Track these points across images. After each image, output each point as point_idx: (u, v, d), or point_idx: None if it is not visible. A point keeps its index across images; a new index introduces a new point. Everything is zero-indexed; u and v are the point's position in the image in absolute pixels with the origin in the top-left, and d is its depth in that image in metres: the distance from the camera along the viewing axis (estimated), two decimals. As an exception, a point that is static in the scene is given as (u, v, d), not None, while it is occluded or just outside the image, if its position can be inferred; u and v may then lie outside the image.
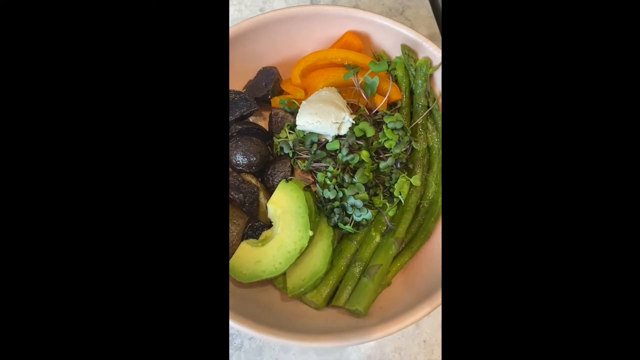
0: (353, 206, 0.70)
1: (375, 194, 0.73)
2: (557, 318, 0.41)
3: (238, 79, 0.81)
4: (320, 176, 0.72)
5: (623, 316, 0.40)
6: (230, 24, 0.93)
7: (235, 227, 0.70)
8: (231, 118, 0.75)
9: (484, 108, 0.43)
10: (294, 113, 0.78)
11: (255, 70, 0.82)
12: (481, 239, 0.42)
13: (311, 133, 0.74)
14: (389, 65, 0.76)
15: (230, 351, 0.73)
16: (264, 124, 0.82)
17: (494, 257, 0.42)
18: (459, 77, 0.44)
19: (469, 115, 0.43)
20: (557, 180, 0.42)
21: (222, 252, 0.43)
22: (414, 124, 0.76)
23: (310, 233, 0.67)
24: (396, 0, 0.91)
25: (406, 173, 0.74)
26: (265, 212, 0.73)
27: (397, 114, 0.73)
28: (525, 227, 0.42)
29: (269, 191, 0.74)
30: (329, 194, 0.70)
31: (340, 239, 0.74)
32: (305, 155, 0.75)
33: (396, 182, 0.72)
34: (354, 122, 0.73)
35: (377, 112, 0.76)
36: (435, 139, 0.76)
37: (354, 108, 0.79)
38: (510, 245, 0.42)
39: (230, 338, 0.74)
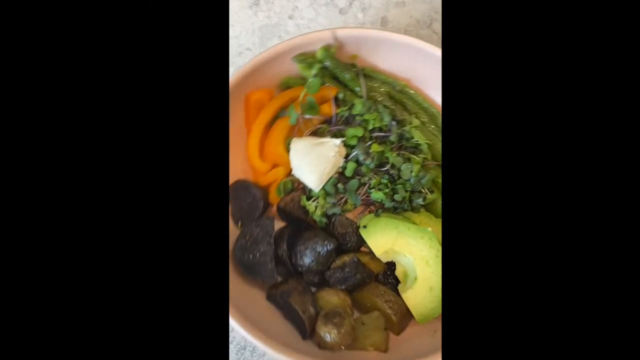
0: (421, 184, 0.72)
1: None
2: (557, 322, 0.42)
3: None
4: (377, 195, 0.71)
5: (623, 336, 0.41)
6: (256, 30, 0.86)
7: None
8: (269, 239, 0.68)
9: (484, 110, 0.44)
10: (295, 189, 0.73)
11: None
12: (482, 244, 0.44)
13: (326, 183, 0.72)
14: (316, 76, 0.74)
15: (254, 358, 0.75)
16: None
17: (493, 263, 0.43)
18: (458, 80, 0.45)
19: (469, 118, 0.44)
20: (559, 187, 0.42)
21: (222, 253, 0.46)
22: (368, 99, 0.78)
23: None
24: (424, 14, 0.89)
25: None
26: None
27: (357, 100, 0.74)
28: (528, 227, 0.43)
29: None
30: (399, 196, 0.71)
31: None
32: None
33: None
34: (342, 138, 0.72)
35: (337, 116, 0.76)
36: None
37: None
38: (509, 255, 0.43)
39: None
